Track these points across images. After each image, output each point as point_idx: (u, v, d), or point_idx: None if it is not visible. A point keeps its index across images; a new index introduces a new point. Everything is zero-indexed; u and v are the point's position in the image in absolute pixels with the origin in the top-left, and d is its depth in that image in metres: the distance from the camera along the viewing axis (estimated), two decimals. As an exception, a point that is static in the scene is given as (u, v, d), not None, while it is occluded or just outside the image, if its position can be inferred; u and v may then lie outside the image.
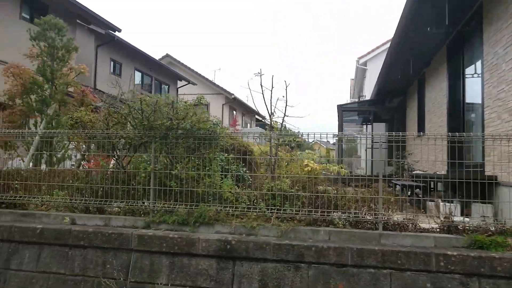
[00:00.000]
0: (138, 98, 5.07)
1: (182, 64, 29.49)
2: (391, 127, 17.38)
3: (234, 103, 31.78)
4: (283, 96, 5.67)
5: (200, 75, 29.48)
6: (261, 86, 5.58)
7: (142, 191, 5.26)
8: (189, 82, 26.60)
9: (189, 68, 29.09)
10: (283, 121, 5.53)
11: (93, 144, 6.18)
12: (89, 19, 13.56)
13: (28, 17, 12.22)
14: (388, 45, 22.22)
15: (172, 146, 5.14)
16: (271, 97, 5.65)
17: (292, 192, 4.80)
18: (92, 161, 6.81)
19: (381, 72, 12.32)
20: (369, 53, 23.30)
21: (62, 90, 7.41)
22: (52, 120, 7.19)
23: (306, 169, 5.54)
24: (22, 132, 6.53)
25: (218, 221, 4.86)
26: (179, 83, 26.93)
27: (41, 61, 7.33)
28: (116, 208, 5.51)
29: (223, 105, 30.43)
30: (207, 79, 30.29)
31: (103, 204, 5.33)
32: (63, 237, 4.98)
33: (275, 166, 5.53)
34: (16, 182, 5.77)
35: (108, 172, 5.57)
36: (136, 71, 21.01)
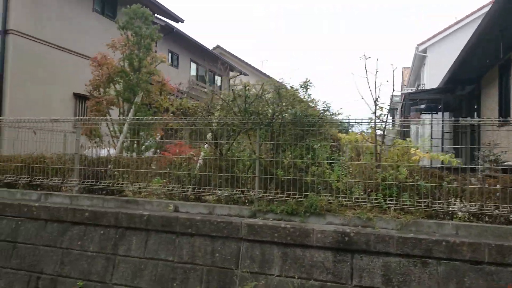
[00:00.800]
0: (242, 84, 4.93)
1: (232, 54, 29.44)
2: (458, 116, 16.47)
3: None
4: (387, 81, 5.34)
5: (249, 64, 29.29)
6: (365, 70, 5.27)
7: (245, 180, 5.14)
8: (241, 73, 26.52)
9: (239, 59, 29.00)
10: (389, 108, 5.21)
11: (184, 132, 6.15)
12: (155, 10, 13.70)
13: (99, 9, 12.49)
14: (451, 30, 21.03)
15: (278, 133, 4.97)
16: (375, 82, 5.33)
17: (411, 182, 4.50)
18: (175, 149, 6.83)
19: (457, 58, 11.60)
20: (429, 39, 22.16)
21: (147, 78, 7.45)
22: (140, 108, 7.25)
23: (414, 158, 5.20)
24: (111, 120, 6.62)
25: (329, 211, 4.66)
26: (230, 74, 26.96)
27: (127, 50, 7.40)
28: (211, 197, 5.45)
29: (270, 93, 30.10)
30: (256, 69, 30.08)
31: (206, 192, 5.27)
32: (170, 224, 4.96)
33: (380, 155, 5.24)
34: (116, 169, 5.84)
35: (207, 160, 5.51)
36: (191, 62, 21.19)
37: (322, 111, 4.85)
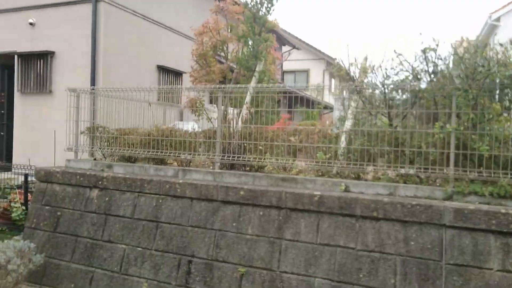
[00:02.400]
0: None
1: (282, 29, 28.25)
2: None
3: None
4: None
5: (299, 39, 28.01)
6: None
7: (434, 156, 4.38)
8: (294, 47, 25.47)
9: (289, 33, 27.82)
10: None
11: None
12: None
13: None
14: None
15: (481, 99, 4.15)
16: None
17: None
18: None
19: None
20: (504, 6, 20.28)
21: (267, 44, 6.75)
22: (264, 76, 6.59)
23: None
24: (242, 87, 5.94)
25: (557, 195, 3.84)
26: (283, 49, 25.94)
27: (248, 12, 6.68)
28: (369, 175, 4.74)
29: (324, 71, 29.00)
30: (307, 44, 28.85)
31: (381, 169, 4.56)
32: (350, 206, 4.29)
33: None
34: (260, 142, 5.21)
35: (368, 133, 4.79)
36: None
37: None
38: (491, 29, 21.42)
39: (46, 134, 9.60)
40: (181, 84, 12.36)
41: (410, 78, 4.46)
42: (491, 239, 3.82)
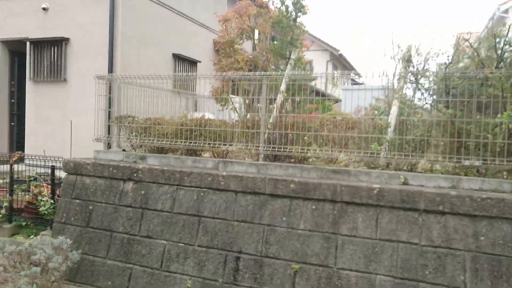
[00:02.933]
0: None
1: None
2: None
3: (338, 61, 29.80)
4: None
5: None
6: None
7: (496, 146, 4.15)
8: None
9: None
10: None
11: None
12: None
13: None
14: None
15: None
16: None
17: None
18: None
19: None
20: (515, -2, 19.99)
21: (303, 31, 6.46)
22: (298, 64, 6.31)
23: None
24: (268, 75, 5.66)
25: None
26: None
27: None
28: (427, 166, 4.53)
29: (327, 62, 28.67)
30: (311, 35, 28.46)
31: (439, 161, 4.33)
32: (412, 200, 4.07)
33: None
34: (306, 133, 4.96)
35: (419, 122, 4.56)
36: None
37: None
38: (499, 20, 21.16)
39: (60, 124, 9.28)
40: (196, 73, 12.02)
41: (469, 65, 4.21)
42: None
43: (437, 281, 3.88)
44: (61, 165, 5.83)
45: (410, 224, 4.08)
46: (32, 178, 6.48)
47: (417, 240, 4.02)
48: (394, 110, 4.91)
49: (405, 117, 4.75)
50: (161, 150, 5.97)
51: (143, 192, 5.24)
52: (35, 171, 7.44)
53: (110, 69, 8.79)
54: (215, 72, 7.68)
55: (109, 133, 6.12)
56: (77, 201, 5.57)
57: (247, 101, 5.93)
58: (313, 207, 4.45)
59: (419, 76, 4.51)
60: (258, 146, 5.13)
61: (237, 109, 7.06)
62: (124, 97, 6.23)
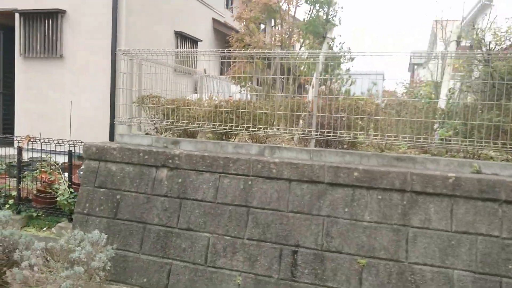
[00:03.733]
0: None
1: None
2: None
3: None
4: None
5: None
6: None
7: None
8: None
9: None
10: None
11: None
12: None
13: None
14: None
15: None
16: None
17: None
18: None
19: None
20: (500, -14, 20.25)
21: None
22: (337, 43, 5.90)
23: None
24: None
25: None
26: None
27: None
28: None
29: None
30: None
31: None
32: (492, 190, 3.81)
33: None
34: (363, 117, 4.60)
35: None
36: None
37: None
38: (481, 9, 21.39)
39: (56, 105, 8.54)
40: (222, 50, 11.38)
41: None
42: None
43: (520, 276, 3.66)
44: (81, 150, 5.22)
45: (490, 215, 3.82)
46: (43, 165, 5.80)
47: (497, 233, 3.78)
48: (455, 94, 4.63)
49: (471, 101, 4.46)
50: (190, 135, 5.47)
51: (180, 180, 4.75)
52: (29, 157, 6.74)
53: (114, 45, 8.09)
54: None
55: (139, 115, 5.52)
56: (102, 189, 5.02)
57: (288, 81, 5.48)
58: (379, 197, 4.12)
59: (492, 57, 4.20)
60: (306, 131, 4.73)
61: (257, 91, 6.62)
62: (145, 76, 5.65)
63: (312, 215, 4.27)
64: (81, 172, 5.24)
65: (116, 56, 5.43)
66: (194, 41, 11.02)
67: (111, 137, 8.15)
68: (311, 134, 4.70)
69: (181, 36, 10.37)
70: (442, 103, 4.88)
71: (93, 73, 8.30)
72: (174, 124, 5.27)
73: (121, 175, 4.98)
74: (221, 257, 4.43)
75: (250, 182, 4.52)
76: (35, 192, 5.68)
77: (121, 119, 5.43)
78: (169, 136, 5.37)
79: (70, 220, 5.39)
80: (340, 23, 5.85)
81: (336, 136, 4.58)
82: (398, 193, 4.08)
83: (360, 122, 4.65)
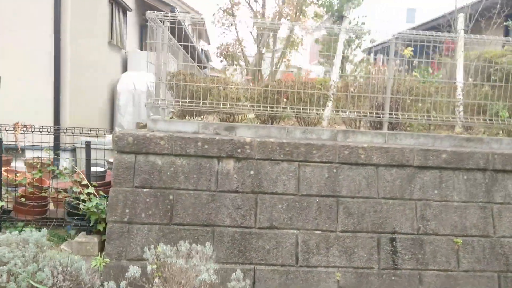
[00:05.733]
0: None
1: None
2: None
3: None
4: None
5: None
6: None
7: None
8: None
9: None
10: None
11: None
12: None
13: None
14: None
15: None
16: None
17: None
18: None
19: None
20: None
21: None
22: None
23: None
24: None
25: None
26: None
27: None
28: None
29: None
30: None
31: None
32: (558, 164, 4.31)
33: None
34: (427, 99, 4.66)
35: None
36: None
37: None
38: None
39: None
40: (126, 23, 9.89)
41: None
42: None
43: None
44: (111, 140, 4.01)
45: (555, 187, 4.32)
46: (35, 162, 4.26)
47: (562, 202, 4.31)
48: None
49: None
50: (227, 118, 4.75)
51: (252, 172, 4.09)
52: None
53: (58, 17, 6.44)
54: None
55: (166, 95, 4.47)
56: (146, 190, 3.98)
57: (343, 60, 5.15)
58: (465, 177, 4.27)
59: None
60: (376, 113, 4.57)
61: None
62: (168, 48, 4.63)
63: (405, 199, 4.18)
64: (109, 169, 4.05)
65: (148, 22, 4.26)
66: (124, 10, 9.51)
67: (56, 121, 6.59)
68: (382, 117, 4.55)
69: (115, 3, 8.81)
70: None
71: (21, 26, 6.50)
72: (218, 106, 4.48)
73: (172, 170, 4.02)
74: (315, 255, 4.01)
75: (335, 170, 4.16)
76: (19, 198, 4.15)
77: (153, 101, 4.35)
78: (214, 121, 4.55)
79: (90, 232, 4.15)
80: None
81: (409, 118, 4.54)
82: (480, 172, 4.28)
83: (420, 104, 4.69)
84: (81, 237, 4.11)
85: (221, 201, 4.03)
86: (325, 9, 6.00)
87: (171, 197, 3.99)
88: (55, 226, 4.37)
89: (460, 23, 5.42)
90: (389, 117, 4.54)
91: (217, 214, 4.00)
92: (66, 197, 4.21)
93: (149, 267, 3.20)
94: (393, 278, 4.03)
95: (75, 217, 4.17)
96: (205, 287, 3.03)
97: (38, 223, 4.27)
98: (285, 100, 4.64)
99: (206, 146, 4.05)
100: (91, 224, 4.05)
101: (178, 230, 3.95)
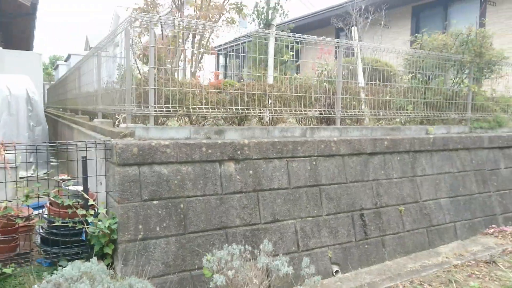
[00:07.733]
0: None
1: None
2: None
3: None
4: None
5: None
6: None
7: None
8: None
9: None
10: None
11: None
12: None
13: None
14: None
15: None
16: None
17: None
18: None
19: None
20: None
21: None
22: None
23: None
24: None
25: None
26: None
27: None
28: None
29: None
30: None
31: None
32: (424, 143, 5.91)
33: None
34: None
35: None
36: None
37: None
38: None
39: None
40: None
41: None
42: None
43: (463, 193, 5.97)
44: (111, 153, 3.61)
45: (447, 160, 5.91)
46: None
47: (452, 170, 5.92)
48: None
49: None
50: (194, 121, 4.81)
51: (251, 172, 4.33)
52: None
53: None
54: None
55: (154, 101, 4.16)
56: (156, 202, 3.79)
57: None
58: (398, 158, 5.44)
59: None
60: (330, 112, 5.35)
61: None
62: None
63: (364, 181, 5.08)
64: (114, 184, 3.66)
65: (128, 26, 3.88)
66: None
67: None
68: (335, 114, 5.34)
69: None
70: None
71: None
72: (218, 112, 4.50)
73: (179, 179, 3.93)
74: (312, 238, 4.53)
75: (314, 163, 4.76)
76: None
77: (141, 107, 4.07)
78: (214, 125, 4.54)
79: (88, 259, 3.66)
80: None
81: (357, 114, 5.46)
82: (406, 153, 5.53)
83: (354, 102, 5.70)
84: (99, 263, 3.60)
85: (229, 203, 4.14)
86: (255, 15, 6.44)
87: (182, 205, 3.90)
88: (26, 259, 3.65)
89: (355, 34, 6.69)
90: (340, 114, 5.36)
91: (227, 216, 4.10)
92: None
93: (218, 278, 3.17)
94: (366, 246, 4.89)
95: (62, 245, 3.61)
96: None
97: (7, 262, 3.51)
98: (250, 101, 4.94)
99: (210, 151, 4.09)
100: (95, 249, 3.60)
101: (194, 238, 3.90)
